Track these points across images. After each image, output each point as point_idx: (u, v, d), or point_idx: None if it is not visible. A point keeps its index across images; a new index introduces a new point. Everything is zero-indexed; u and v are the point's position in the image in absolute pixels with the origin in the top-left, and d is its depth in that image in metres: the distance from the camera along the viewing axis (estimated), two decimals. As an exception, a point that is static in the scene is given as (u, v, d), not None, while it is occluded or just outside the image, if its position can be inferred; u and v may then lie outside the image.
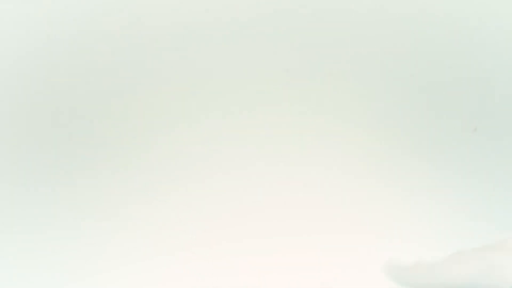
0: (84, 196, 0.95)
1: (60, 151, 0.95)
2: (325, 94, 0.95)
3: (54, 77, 0.94)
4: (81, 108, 0.95)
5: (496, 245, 0.48)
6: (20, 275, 0.95)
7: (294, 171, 0.88)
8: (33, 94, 0.94)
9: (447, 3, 0.95)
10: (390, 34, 0.95)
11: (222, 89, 0.94)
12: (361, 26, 0.95)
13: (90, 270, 0.95)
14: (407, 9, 0.95)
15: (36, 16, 0.93)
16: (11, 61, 0.94)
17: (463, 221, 0.86)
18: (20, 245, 0.95)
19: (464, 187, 0.88)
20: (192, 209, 0.95)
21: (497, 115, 0.96)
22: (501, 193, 0.88)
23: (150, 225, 0.95)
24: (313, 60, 0.95)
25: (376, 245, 0.78)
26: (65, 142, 0.95)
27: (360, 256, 0.81)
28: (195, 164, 0.94)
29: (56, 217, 0.95)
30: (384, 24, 0.95)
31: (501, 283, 0.45)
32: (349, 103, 0.96)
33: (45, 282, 0.95)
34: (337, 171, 0.87)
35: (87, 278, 0.95)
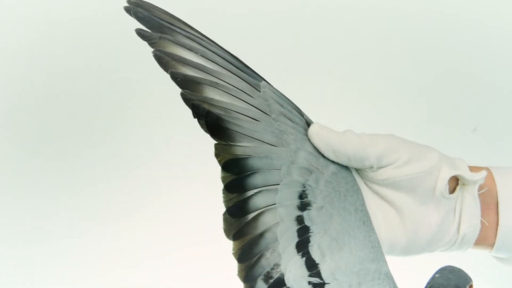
0: (84, 197, 0.95)
1: (60, 152, 0.95)
2: (325, 94, 0.95)
3: (55, 78, 0.94)
4: (82, 109, 0.95)
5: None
6: (20, 276, 0.95)
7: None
8: (33, 94, 0.94)
9: (447, 4, 0.95)
10: (390, 34, 0.96)
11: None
12: (361, 26, 0.95)
13: (89, 270, 0.95)
14: (407, 10, 0.95)
15: (37, 17, 0.93)
16: (11, 61, 0.94)
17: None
18: (20, 246, 0.95)
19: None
20: (193, 210, 0.95)
21: (497, 115, 0.96)
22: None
23: (150, 225, 0.95)
24: (313, 60, 0.96)
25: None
26: (66, 142, 0.95)
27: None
28: (195, 166, 0.94)
29: (56, 218, 0.95)
30: (384, 25, 0.95)
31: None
32: (349, 103, 0.96)
33: (46, 282, 0.95)
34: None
35: (85, 278, 0.95)
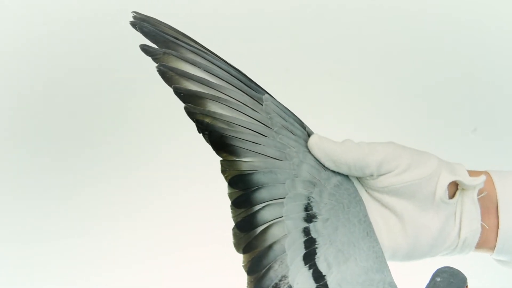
0: (84, 197, 0.95)
1: (60, 152, 0.95)
2: (325, 94, 0.95)
3: (55, 78, 0.94)
4: (82, 109, 0.95)
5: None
6: (20, 276, 0.95)
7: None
8: (33, 94, 0.94)
9: (447, 3, 0.95)
10: (390, 35, 0.96)
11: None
12: (361, 26, 0.95)
13: (89, 270, 0.95)
14: (407, 10, 0.95)
15: (37, 17, 0.93)
16: (11, 61, 0.94)
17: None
18: (20, 246, 0.95)
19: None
20: (193, 210, 0.95)
21: (497, 115, 0.96)
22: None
23: (151, 226, 0.95)
24: (313, 60, 0.96)
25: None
26: (66, 142, 0.95)
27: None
28: (196, 166, 0.94)
29: (56, 218, 0.95)
30: (385, 25, 0.95)
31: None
32: (349, 103, 0.96)
33: (46, 282, 0.95)
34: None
35: (85, 278, 0.95)
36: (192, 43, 0.49)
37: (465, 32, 0.95)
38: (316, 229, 0.48)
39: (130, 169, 0.95)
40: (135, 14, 0.48)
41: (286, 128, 0.49)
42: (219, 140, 0.47)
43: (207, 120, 0.47)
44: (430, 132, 0.95)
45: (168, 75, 0.47)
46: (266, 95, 0.49)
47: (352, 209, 0.49)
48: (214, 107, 0.47)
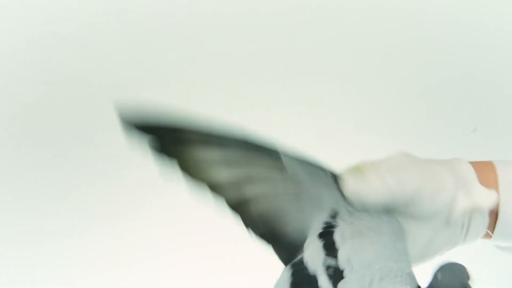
0: (84, 197, 0.95)
1: (60, 152, 0.95)
2: (325, 94, 0.95)
3: (55, 77, 0.94)
4: (82, 108, 0.95)
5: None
6: (20, 276, 0.95)
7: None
8: (33, 94, 0.94)
9: (447, 3, 0.95)
10: (391, 35, 0.96)
11: (223, 89, 0.94)
12: (361, 26, 0.95)
13: (89, 270, 0.95)
14: (407, 9, 0.95)
15: (37, 16, 0.93)
16: (11, 61, 0.94)
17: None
18: (20, 246, 0.95)
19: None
20: (194, 210, 0.95)
21: (497, 115, 0.96)
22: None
23: (151, 225, 0.95)
24: (313, 60, 0.96)
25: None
26: (66, 142, 0.95)
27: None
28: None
29: (56, 218, 0.95)
30: (385, 25, 0.95)
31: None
32: (349, 103, 0.96)
33: (46, 282, 0.95)
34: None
35: (85, 278, 0.95)
36: (199, 133, 0.47)
37: (465, 32, 0.95)
38: (341, 217, 0.48)
39: (130, 169, 0.95)
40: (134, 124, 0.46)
41: (311, 175, 0.47)
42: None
43: (251, 208, 0.46)
44: (430, 132, 0.95)
45: (192, 172, 0.47)
46: (280, 150, 0.47)
47: (384, 217, 0.49)
48: (249, 190, 0.46)
